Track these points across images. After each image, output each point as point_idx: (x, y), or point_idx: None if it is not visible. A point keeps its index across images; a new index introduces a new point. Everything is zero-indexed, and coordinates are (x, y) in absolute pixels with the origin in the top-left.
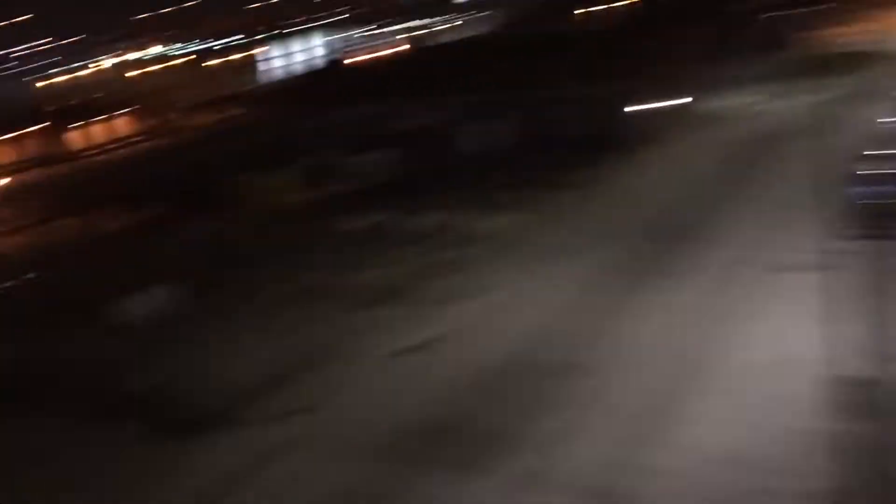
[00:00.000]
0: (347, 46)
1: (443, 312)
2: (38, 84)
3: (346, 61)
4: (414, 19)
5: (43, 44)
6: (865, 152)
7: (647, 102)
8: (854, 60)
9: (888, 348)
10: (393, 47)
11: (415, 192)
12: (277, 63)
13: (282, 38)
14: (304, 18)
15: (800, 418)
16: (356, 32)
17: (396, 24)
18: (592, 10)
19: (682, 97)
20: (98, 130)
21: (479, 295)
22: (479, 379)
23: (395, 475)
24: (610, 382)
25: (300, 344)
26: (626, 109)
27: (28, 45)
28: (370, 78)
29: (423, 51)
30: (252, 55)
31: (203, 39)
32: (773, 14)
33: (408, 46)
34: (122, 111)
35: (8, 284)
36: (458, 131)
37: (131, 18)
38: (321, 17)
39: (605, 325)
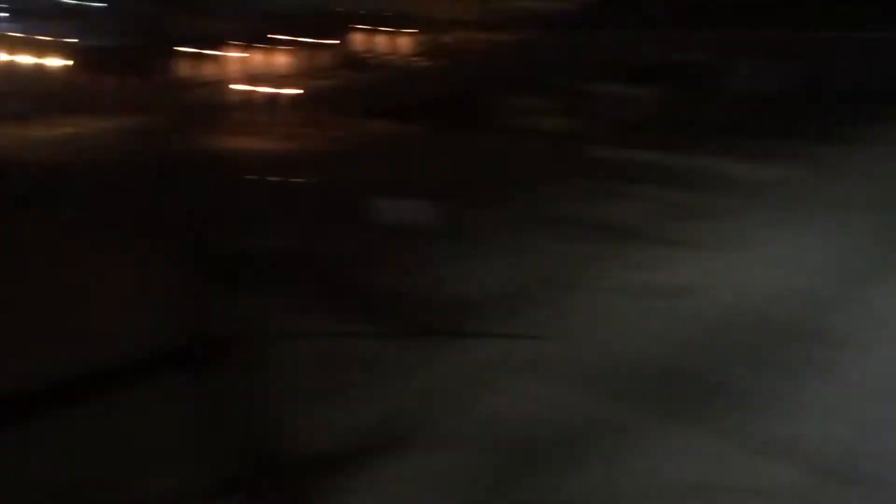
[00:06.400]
0: None
1: (685, 258)
2: None
3: None
4: None
5: None
6: None
7: None
8: None
9: None
10: None
11: (675, 131)
12: None
13: None
14: None
15: None
16: None
17: None
18: None
19: None
20: (381, 43)
21: (726, 244)
22: (716, 333)
23: (618, 413)
24: (858, 357)
25: (537, 269)
26: None
27: None
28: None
29: None
30: None
31: None
32: None
33: None
34: (405, 29)
35: (278, 184)
36: (730, 70)
37: None
38: None
39: (863, 294)
